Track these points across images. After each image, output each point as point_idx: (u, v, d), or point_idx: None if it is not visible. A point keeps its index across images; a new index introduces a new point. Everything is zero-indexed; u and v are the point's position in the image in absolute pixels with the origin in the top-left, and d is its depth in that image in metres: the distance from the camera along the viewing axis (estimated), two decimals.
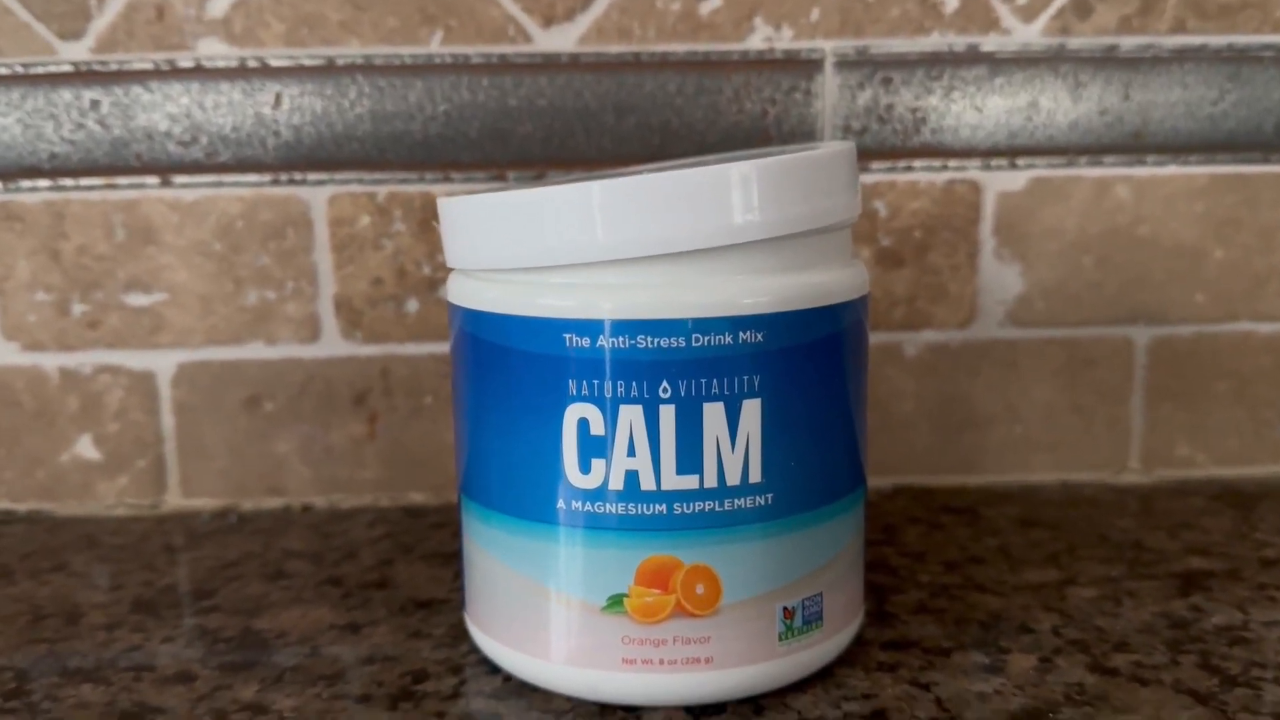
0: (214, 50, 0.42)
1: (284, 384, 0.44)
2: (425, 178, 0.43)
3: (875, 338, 0.45)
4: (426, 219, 0.43)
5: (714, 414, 0.26)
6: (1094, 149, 0.44)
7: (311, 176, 0.43)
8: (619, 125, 0.43)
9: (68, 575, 0.38)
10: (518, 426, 0.27)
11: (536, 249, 0.26)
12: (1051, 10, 0.43)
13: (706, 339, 0.26)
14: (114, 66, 0.42)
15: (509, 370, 0.27)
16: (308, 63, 0.42)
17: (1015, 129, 0.44)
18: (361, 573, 0.38)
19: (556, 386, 0.26)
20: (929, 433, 0.46)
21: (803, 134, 0.44)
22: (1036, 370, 0.45)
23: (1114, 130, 0.44)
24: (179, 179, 0.43)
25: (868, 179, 0.44)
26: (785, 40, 0.43)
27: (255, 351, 0.44)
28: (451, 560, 0.39)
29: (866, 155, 0.44)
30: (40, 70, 0.42)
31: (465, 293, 0.28)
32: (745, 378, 0.26)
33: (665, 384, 0.26)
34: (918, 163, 0.44)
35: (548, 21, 0.43)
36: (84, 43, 0.42)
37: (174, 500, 0.45)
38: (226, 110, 0.43)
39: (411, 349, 0.44)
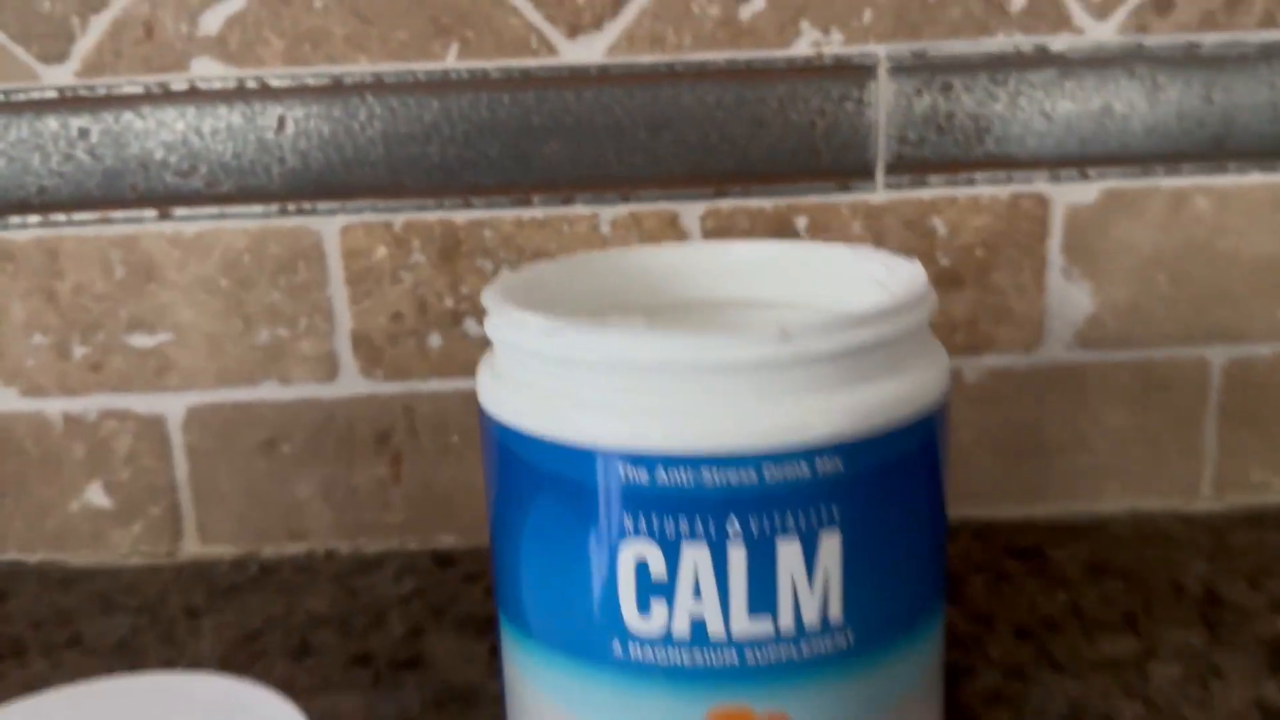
0: (209, 71, 0.39)
1: (301, 425, 0.42)
2: (444, 204, 0.40)
3: None
4: (446, 248, 0.40)
5: (789, 551, 0.23)
6: (1171, 157, 0.40)
7: (321, 205, 0.40)
8: (653, 142, 0.40)
9: (81, 653, 0.36)
10: (565, 559, 0.24)
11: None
12: (1128, 6, 0.39)
13: (781, 472, 0.23)
14: (102, 91, 0.39)
15: (556, 499, 0.24)
16: (312, 82, 0.39)
17: (1086, 136, 0.40)
18: (392, 647, 0.36)
19: (611, 521, 0.23)
20: (990, 463, 0.43)
21: (855, 146, 0.40)
22: (1106, 395, 0.42)
23: (1193, 136, 0.40)
24: (179, 211, 0.40)
25: (925, 194, 0.40)
26: (835, 45, 0.39)
27: (270, 392, 0.41)
28: (485, 629, 0.36)
29: (924, 168, 0.40)
30: (23, 98, 0.39)
31: (505, 405, 0.25)
32: (823, 509, 0.23)
33: (734, 520, 0.23)
34: (980, 175, 0.40)
35: (574, 31, 0.39)
36: (68, 66, 0.39)
37: (191, 547, 0.43)
38: (226, 136, 0.39)
39: (435, 385, 0.41)
